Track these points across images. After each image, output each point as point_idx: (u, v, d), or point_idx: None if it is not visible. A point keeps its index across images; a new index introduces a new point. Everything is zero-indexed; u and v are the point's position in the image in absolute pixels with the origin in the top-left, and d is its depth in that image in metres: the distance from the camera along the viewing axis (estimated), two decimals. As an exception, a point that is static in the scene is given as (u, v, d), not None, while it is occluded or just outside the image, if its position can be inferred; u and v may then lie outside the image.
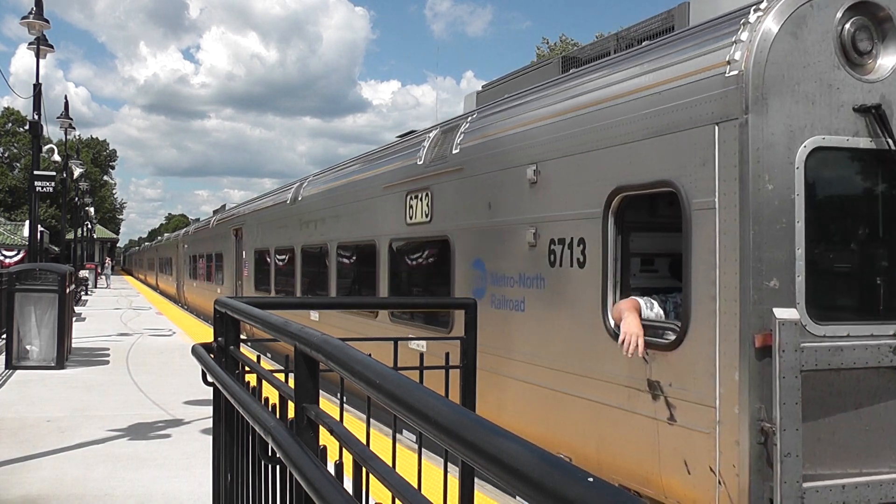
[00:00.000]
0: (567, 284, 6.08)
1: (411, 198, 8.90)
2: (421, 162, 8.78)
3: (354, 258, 11.75)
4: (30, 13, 18.58)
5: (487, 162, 7.39)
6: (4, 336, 13.76)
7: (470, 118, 8.21)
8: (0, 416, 8.97)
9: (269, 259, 16.57)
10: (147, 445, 7.69)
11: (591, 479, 0.96)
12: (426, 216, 8.50)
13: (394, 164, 9.94)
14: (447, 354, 3.84)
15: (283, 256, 15.62)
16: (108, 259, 72.66)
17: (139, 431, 8.29)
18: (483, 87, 9.70)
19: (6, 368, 12.48)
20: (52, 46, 20.21)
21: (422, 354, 3.78)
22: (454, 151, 8.01)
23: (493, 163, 7.28)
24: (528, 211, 6.64)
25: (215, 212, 29.78)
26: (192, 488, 6.24)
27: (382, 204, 9.93)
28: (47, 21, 18.89)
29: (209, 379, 3.75)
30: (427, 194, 8.49)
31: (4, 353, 13.07)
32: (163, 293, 44.15)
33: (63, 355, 12.83)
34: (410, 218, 8.94)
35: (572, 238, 6.00)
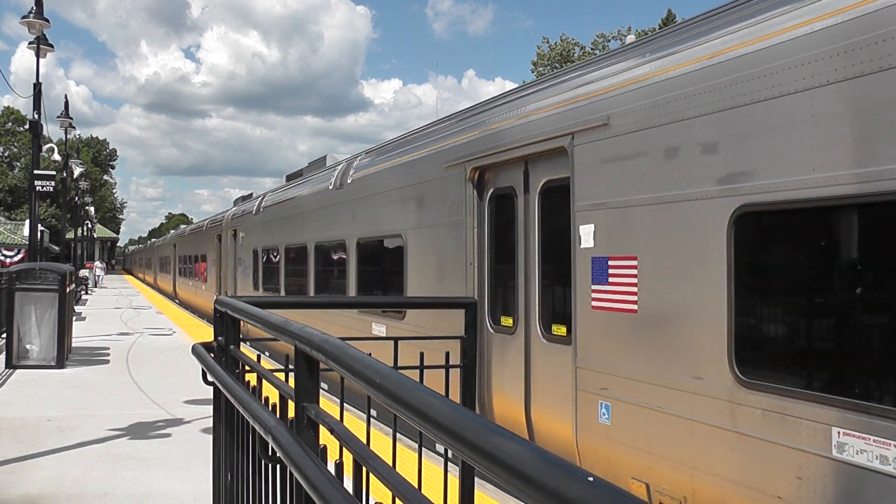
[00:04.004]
0: None
1: None
2: None
3: None
4: (30, 12, 18.61)
5: None
6: (4, 335, 13.77)
7: None
8: (0, 415, 8.98)
9: None
10: (147, 445, 7.69)
11: (591, 479, 0.96)
12: None
13: None
14: (447, 354, 3.84)
15: None
16: (98, 261, 59.15)
17: (139, 431, 8.29)
18: None
19: (6, 368, 12.48)
20: (52, 46, 20.20)
21: (422, 354, 3.78)
22: None
23: None
24: None
25: (315, 163, 16.76)
26: (193, 488, 6.24)
27: None
28: (47, 20, 18.90)
29: (209, 378, 3.75)
30: None
31: (4, 353, 13.08)
32: (183, 304, 32.46)
33: (63, 355, 12.83)
34: None
35: None
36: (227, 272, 22.31)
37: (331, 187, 12.91)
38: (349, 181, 12.04)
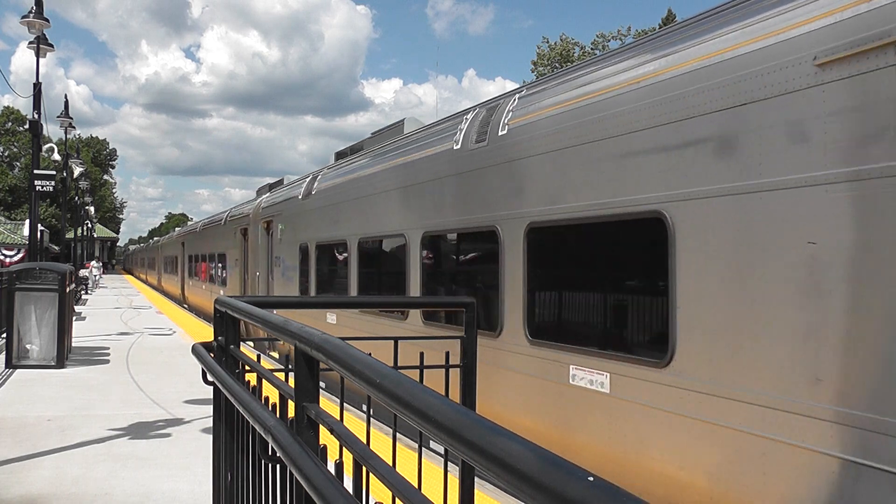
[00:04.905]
0: None
1: None
2: None
3: None
4: (30, 12, 18.61)
5: None
6: (5, 335, 13.77)
7: None
8: (0, 415, 8.98)
9: None
10: (147, 445, 7.69)
11: (591, 479, 0.96)
12: None
13: None
14: (447, 354, 3.84)
15: None
16: (94, 262, 53.23)
17: (139, 431, 8.29)
18: None
19: (6, 367, 12.49)
20: (52, 45, 20.18)
21: (422, 354, 3.77)
22: None
23: None
24: None
25: (384, 131, 12.53)
26: (192, 487, 6.24)
27: None
28: (47, 20, 18.91)
29: (209, 378, 3.75)
30: None
31: (4, 352, 13.08)
32: (193, 311, 28.54)
33: (63, 354, 12.84)
34: None
35: None
36: (256, 274, 18.15)
37: (457, 147, 8.17)
38: (502, 132, 7.27)
